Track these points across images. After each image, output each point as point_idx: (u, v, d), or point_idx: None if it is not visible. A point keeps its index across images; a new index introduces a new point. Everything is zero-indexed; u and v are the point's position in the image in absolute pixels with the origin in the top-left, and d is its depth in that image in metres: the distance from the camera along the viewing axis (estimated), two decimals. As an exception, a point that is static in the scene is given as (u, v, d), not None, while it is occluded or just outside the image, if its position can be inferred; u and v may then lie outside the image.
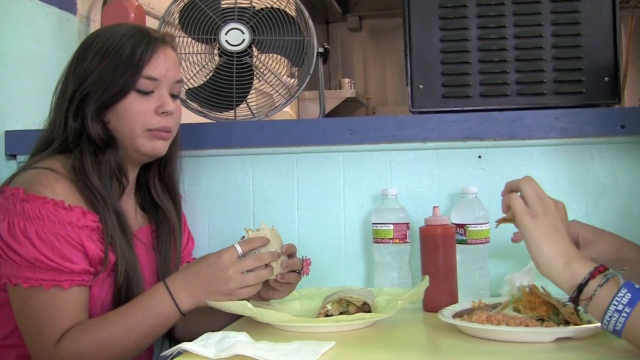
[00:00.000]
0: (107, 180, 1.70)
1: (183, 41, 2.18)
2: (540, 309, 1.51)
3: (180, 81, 1.81)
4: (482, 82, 2.04)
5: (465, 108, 2.05)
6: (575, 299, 1.35)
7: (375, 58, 6.64)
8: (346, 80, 5.80)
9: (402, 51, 2.13)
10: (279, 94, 2.21)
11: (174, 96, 1.79)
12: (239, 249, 1.64)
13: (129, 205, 1.84)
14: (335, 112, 5.25)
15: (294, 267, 1.73)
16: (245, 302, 1.58)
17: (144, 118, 1.72)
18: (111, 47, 1.71)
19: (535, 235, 1.42)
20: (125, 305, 1.64)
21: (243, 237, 1.71)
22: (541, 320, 1.48)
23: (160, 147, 1.77)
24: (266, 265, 1.66)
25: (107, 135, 1.72)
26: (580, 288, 1.34)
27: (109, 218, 1.66)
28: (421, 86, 2.07)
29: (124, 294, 1.68)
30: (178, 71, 1.80)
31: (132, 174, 1.81)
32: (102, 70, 1.70)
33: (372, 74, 6.64)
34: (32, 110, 1.81)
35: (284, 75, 2.24)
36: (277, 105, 2.22)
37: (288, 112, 4.42)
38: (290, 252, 1.74)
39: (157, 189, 1.88)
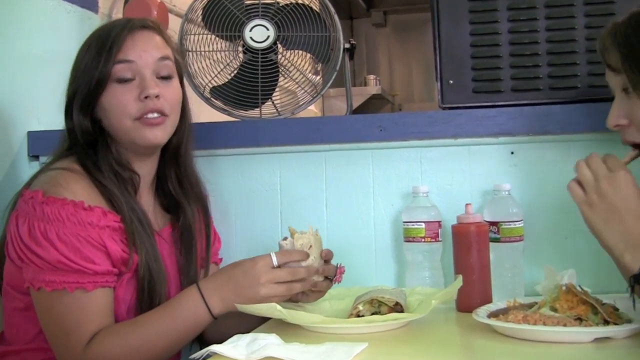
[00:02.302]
0: (112, 177, 1.70)
1: (206, 39, 2.18)
2: (578, 308, 1.49)
3: (164, 58, 1.75)
4: (514, 76, 2.03)
5: (497, 103, 2.03)
6: (632, 289, 1.35)
7: (401, 54, 6.63)
8: (371, 76, 5.80)
9: (428, 46, 2.12)
10: (305, 91, 2.21)
11: (164, 78, 1.75)
12: (275, 260, 1.63)
13: (149, 206, 1.84)
14: (360, 110, 5.26)
15: (327, 274, 1.73)
16: (274, 304, 1.58)
17: (126, 108, 1.70)
18: (93, 41, 1.72)
19: (594, 225, 1.44)
20: (155, 309, 1.65)
21: (285, 237, 1.71)
22: (579, 320, 1.47)
23: (152, 135, 1.72)
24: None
25: (97, 132, 1.72)
26: (636, 279, 1.34)
27: (129, 217, 1.66)
28: (451, 81, 2.06)
29: (147, 294, 1.68)
30: (160, 49, 1.75)
31: (146, 171, 1.80)
32: (84, 65, 1.71)
33: (397, 70, 6.63)
34: (55, 110, 1.82)
35: (308, 72, 2.24)
36: (303, 103, 2.22)
37: (312, 110, 4.42)
38: (327, 258, 1.74)
39: (173, 182, 1.86)
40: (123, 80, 1.70)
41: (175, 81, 1.79)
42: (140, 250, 1.66)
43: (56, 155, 1.76)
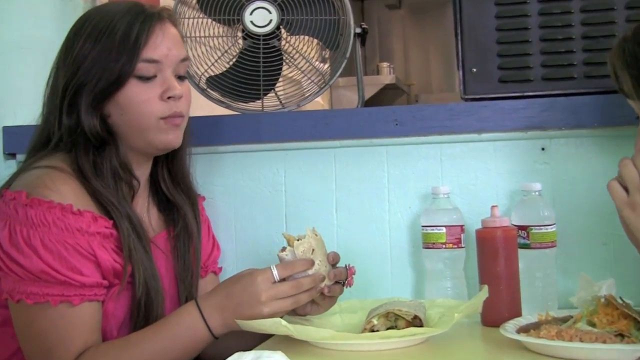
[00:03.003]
0: (112, 182, 1.70)
1: (202, 23, 2.17)
2: (619, 322, 1.49)
3: (185, 59, 1.79)
4: (545, 63, 2.02)
5: (526, 93, 2.03)
6: None
7: (417, 39, 6.63)
8: (384, 64, 5.80)
9: (448, 30, 2.13)
10: (312, 81, 2.21)
11: (180, 77, 1.78)
12: (276, 274, 1.63)
13: (144, 210, 1.84)
14: (372, 101, 5.25)
15: (338, 278, 1.73)
16: (279, 319, 1.58)
17: (149, 107, 1.71)
18: (103, 30, 1.70)
19: (637, 229, 1.42)
20: (149, 327, 1.64)
21: (284, 247, 1.71)
22: (621, 336, 1.46)
23: (174, 138, 1.75)
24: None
25: (105, 131, 1.71)
26: None
27: (125, 227, 1.66)
28: (474, 69, 2.06)
29: (142, 308, 1.67)
30: (181, 49, 1.78)
31: (142, 173, 1.81)
32: (95, 57, 1.69)
33: (413, 57, 6.63)
34: (33, 103, 1.81)
35: (315, 60, 2.24)
36: (310, 94, 2.21)
37: (319, 102, 4.41)
38: (334, 262, 1.74)
39: (166, 182, 1.87)
40: (145, 78, 1.71)
41: (187, 82, 1.83)
42: (137, 266, 1.66)
43: (34, 151, 1.75)
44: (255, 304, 1.60)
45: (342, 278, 1.74)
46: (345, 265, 1.76)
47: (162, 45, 1.72)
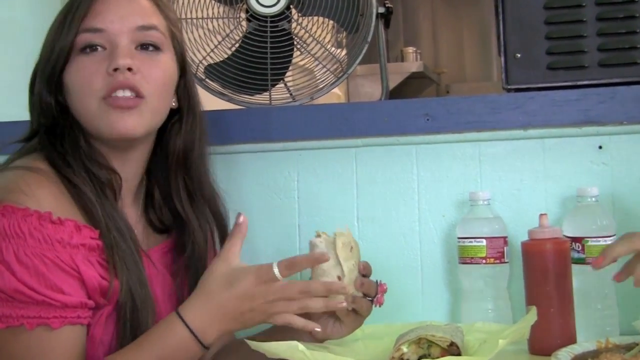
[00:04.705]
0: (85, 177, 1.68)
1: (199, 2, 2.19)
2: (694, 350, 1.50)
3: (147, 27, 1.74)
4: (603, 46, 2.03)
5: (580, 82, 2.04)
6: None
7: (449, 19, 6.62)
8: (410, 49, 5.80)
9: (486, 8, 2.14)
10: (327, 69, 2.22)
11: (145, 47, 1.74)
12: (277, 272, 1.61)
13: (134, 221, 1.82)
14: (397, 92, 5.25)
15: (366, 291, 1.73)
16: (296, 342, 1.58)
17: (92, 83, 1.69)
18: (64, 7, 1.73)
19: None
20: (132, 344, 1.63)
21: (320, 233, 1.70)
22: (695, 367, 1.48)
23: (121, 123, 1.69)
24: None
25: (59, 113, 1.72)
26: None
27: (105, 227, 1.65)
28: (519, 55, 2.06)
29: (129, 330, 1.66)
30: (144, 16, 1.74)
31: (124, 170, 1.78)
32: (48, 34, 1.72)
33: (444, 40, 6.63)
34: (4, 95, 1.81)
35: (331, 45, 2.25)
36: (325, 85, 2.22)
37: (335, 93, 4.42)
38: (365, 272, 1.74)
39: (181, 193, 1.85)
40: (89, 50, 1.70)
41: (165, 56, 1.77)
42: (120, 271, 1.64)
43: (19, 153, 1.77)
44: (248, 308, 1.61)
45: (370, 293, 1.74)
46: (376, 281, 1.76)
47: (108, 11, 1.71)
